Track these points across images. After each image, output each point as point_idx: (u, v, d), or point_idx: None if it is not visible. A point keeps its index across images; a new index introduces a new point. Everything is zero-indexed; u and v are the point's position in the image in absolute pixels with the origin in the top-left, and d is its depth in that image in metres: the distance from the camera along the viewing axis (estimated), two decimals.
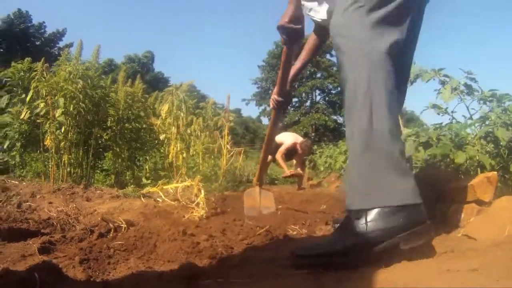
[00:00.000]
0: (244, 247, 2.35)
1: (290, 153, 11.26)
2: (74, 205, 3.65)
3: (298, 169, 11.24)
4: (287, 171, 10.99)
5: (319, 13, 3.19)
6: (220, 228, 2.88)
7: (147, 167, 9.68)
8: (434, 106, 4.55)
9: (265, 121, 62.29)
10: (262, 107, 59.45)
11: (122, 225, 2.79)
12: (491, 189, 2.63)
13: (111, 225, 2.72)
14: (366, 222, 1.92)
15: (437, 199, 3.05)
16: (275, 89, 3.68)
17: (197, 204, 3.85)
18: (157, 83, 53.95)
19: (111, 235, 2.63)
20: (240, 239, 2.56)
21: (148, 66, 63.40)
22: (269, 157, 10.29)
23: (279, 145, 10.98)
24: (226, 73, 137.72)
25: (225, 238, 2.58)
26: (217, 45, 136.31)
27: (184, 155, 8.86)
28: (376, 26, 2.16)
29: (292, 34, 2.83)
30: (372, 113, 2.02)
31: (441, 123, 4.78)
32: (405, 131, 5.63)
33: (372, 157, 1.99)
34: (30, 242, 2.45)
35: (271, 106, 3.78)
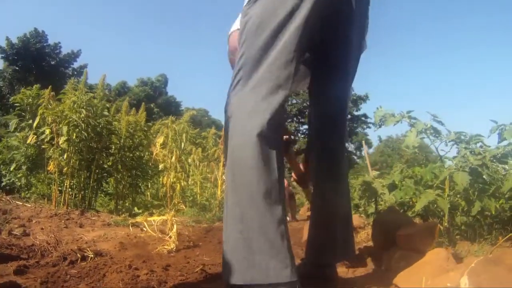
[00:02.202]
0: (176, 283, 2.63)
1: None
2: (54, 235, 4.00)
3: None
4: None
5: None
6: (172, 264, 3.19)
7: (148, 193, 9.98)
8: (407, 147, 4.69)
9: None
10: None
11: (90, 255, 3.19)
12: (431, 239, 2.70)
13: (78, 255, 3.12)
14: None
15: (390, 244, 3.06)
16: None
17: (170, 237, 4.15)
18: (169, 107, 54.12)
19: (78, 263, 3.01)
20: (178, 275, 2.80)
21: (160, 89, 63.37)
22: None
23: None
24: None
25: (164, 273, 2.83)
26: (229, 70, 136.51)
27: (183, 184, 9.15)
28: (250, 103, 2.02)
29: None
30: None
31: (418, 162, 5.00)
32: (372, 172, 5.92)
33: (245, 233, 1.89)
34: (9, 265, 2.82)
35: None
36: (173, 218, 4.45)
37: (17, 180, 9.38)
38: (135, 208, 8.49)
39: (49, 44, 44.28)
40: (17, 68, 40.87)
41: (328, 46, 2.42)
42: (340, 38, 2.40)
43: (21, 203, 7.39)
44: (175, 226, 4.22)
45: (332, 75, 2.49)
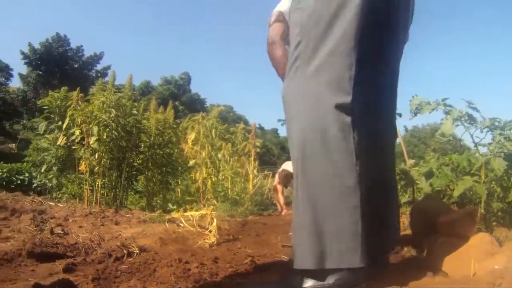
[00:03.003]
0: (226, 274, 2.62)
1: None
2: (97, 233, 4.01)
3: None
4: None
5: None
6: (219, 257, 3.17)
7: (178, 190, 9.99)
8: (442, 135, 4.63)
9: None
10: None
11: (135, 251, 3.19)
12: (472, 224, 2.66)
13: (124, 251, 3.12)
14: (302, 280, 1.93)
15: (430, 231, 3.01)
16: None
17: (210, 231, 4.14)
18: (194, 104, 54.24)
19: (124, 259, 3.01)
20: (228, 267, 2.81)
21: (184, 87, 63.37)
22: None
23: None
24: (262, 93, 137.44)
25: (215, 266, 2.84)
26: (254, 64, 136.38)
27: (214, 179, 9.15)
28: (315, 85, 2.00)
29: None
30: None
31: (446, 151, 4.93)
32: (408, 161, 5.83)
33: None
34: (57, 263, 2.84)
35: None
36: (213, 212, 4.44)
37: (48, 181, 9.44)
38: (169, 205, 8.50)
39: (72, 47, 44.74)
40: (40, 72, 41.39)
41: (378, 34, 2.33)
42: (391, 28, 2.37)
43: (53, 204, 7.45)
44: (215, 220, 4.20)
45: (382, 64, 2.43)
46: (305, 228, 1.91)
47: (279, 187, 9.94)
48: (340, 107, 1.95)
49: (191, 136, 9.15)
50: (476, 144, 4.10)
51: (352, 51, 2.00)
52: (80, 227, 4.69)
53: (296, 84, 2.06)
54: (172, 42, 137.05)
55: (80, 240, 3.69)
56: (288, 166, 10.14)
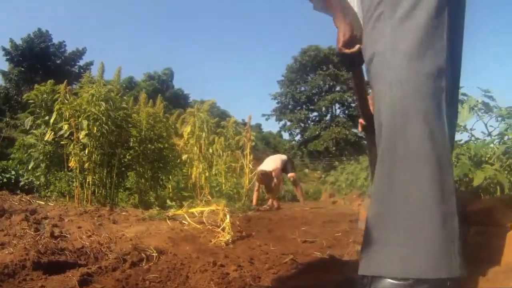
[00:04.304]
0: (271, 277, 2.36)
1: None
2: (106, 234, 3.69)
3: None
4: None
5: None
6: (247, 257, 2.92)
7: (169, 186, 9.76)
8: (458, 124, 4.49)
9: (286, 136, 61.74)
10: (282, 122, 58.94)
11: (153, 254, 2.86)
12: (509, 212, 2.50)
13: (143, 254, 2.79)
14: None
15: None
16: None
17: (223, 229, 3.89)
18: (178, 100, 54.01)
19: (143, 265, 2.67)
20: (267, 268, 2.58)
21: (167, 83, 63.23)
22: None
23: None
24: (245, 88, 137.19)
25: (253, 267, 2.60)
26: (236, 59, 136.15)
27: (207, 174, 8.92)
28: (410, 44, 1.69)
29: (348, 60, 2.33)
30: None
31: (460, 140, 4.79)
32: None
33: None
34: (70, 275, 2.46)
35: (360, 130, 3.14)
36: (225, 208, 4.18)
37: (35, 179, 9.13)
38: (167, 201, 8.21)
39: (54, 43, 44.31)
40: (22, 69, 40.91)
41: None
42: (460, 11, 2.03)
43: (43, 203, 7.16)
44: (228, 216, 3.95)
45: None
46: (394, 230, 1.65)
47: (256, 185, 9.92)
48: (436, 68, 1.67)
49: (187, 128, 8.88)
50: (489, 133, 4.11)
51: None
52: (79, 227, 4.37)
53: (382, 34, 1.77)
54: (154, 37, 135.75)
55: (87, 243, 3.32)
56: (266, 165, 10.02)
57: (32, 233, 3.72)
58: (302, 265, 2.70)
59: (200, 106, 9.31)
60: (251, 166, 9.59)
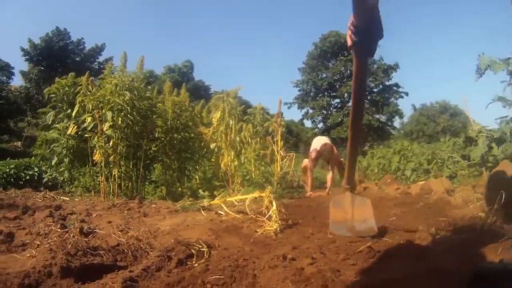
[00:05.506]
0: (352, 270, 2.02)
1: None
2: (142, 228, 3.34)
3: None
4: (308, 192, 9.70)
5: None
6: (316, 247, 2.57)
7: (197, 176, 9.50)
8: (500, 99, 4.24)
9: (308, 124, 61.24)
10: (305, 110, 58.38)
11: (202, 249, 2.47)
12: None
13: (191, 250, 2.41)
14: None
15: None
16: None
17: (269, 218, 3.56)
18: (198, 91, 54.00)
19: (194, 262, 2.30)
20: (342, 259, 2.25)
21: (188, 75, 63.22)
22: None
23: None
24: (266, 77, 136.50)
25: (327, 259, 2.26)
26: (256, 48, 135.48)
27: (236, 163, 8.63)
28: None
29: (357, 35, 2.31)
30: None
31: (506, 117, 4.51)
32: (475, 126, 5.23)
33: None
34: (110, 282, 2.03)
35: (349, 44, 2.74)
36: (271, 195, 3.86)
37: (59, 175, 8.92)
38: (200, 191, 7.91)
39: (72, 41, 44.48)
40: (42, 68, 41.15)
41: None
42: None
43: (67, 198, 6.95)
44: (274, 203, 3.62)
45: None
46: None
47: (310, 167, 9.81)
48: None
49: (217, 114, 8.55)
50: None
51: None
52: (109, 222, 4.07)
53: None
54: (173, 31, 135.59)
55: (123, 240, 2.90)
56: (317, 143, 9.89)
57: (59, 230, 3.32)
58: (380, 252, 2.34)
59: (228, 93, 8.98)
60: (282, 153, 9.28)
